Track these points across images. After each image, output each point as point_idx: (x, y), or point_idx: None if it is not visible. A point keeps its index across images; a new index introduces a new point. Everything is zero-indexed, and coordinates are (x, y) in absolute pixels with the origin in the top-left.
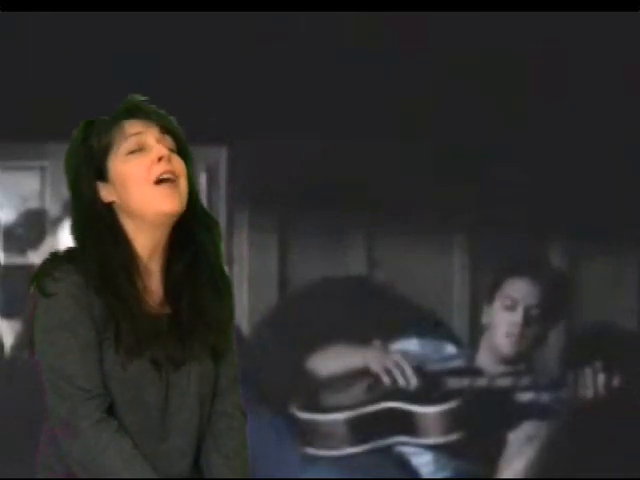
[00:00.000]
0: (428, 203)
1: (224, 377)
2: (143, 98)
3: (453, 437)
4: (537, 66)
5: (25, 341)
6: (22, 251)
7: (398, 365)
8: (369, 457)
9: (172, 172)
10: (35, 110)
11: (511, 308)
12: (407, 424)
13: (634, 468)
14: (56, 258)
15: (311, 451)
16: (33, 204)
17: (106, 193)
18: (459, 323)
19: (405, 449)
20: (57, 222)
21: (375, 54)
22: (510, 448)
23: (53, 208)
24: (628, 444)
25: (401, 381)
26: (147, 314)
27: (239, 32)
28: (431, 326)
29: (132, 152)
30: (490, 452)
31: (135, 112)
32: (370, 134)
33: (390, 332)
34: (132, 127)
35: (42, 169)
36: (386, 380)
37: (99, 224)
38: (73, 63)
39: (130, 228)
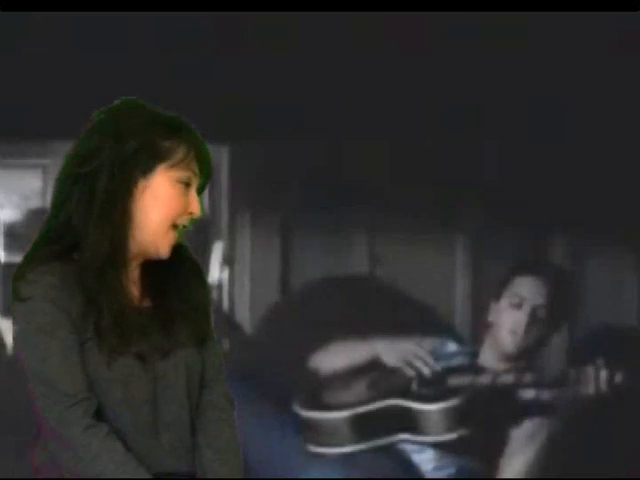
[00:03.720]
0: (430, 201)
1: (210, 368)
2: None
3: (455, 434)
4: (537, 66)
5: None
6: (24, 250)
7: (417, 355)
8: (371, 455)
9: (186, 227)
10: (37, 109)
11: (518, 306)
12: (410, 421)
13: (636, 466)
14: (31, 259)
15: (314, 449)
16: (35, 203)
17: (141, 188)
18: (461, 320)
19: (408, 446)
20: None
21: (375, 54)
22: (512, 445)
23: None
24: (630, 442)
25: (426, 371)
26: (132, 307)
27: (239, 32)
28: (433, 324)
29: (180, 181)
30: (492, 449)
31: (197, 146)
32: (371, 133)
33: (392, 330)
34: (193, 161)
35: (44, 167)
36: (409, 372)
37: (125, 206)
38: (74, 62)
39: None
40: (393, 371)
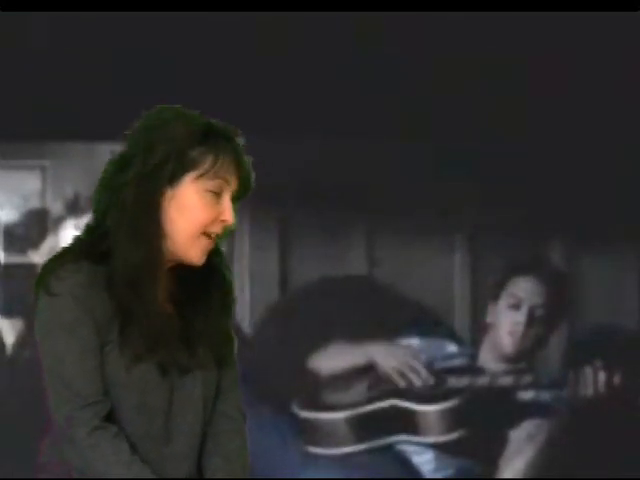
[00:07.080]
0: (429, 202)
1: (225, 378)
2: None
3: (454, 435)
4: (537, 66)
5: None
6: (23, 250)
7: (410, 366)
8: (370, 455)
9: (221, 235)
10: (36, 110)
11: (515, 307)
12: (408, 422)
13: (634, 467)
14: (63, 254)
15: (312, 449)
16: (34, 203)
17: (168, 198)
18: (460, 321)
19: (406, 447)
20: (57, 221)
21: (375, 54)
22: (511, 446)
23: (53, 207)
24: (628, 443)
25: (417, 382)
26: (160, 315)
27: (239, 32)
28: (432, 325)
29: (209, 191)
30: (491, 450)
31: (230, 154)
32: (370, 134)
33: (391, 331)
34: (223, 169)
35: (43, 168)
36: (401, 383)
37: (153, 217)
38: (73, 63)
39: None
40: (388, 376)
